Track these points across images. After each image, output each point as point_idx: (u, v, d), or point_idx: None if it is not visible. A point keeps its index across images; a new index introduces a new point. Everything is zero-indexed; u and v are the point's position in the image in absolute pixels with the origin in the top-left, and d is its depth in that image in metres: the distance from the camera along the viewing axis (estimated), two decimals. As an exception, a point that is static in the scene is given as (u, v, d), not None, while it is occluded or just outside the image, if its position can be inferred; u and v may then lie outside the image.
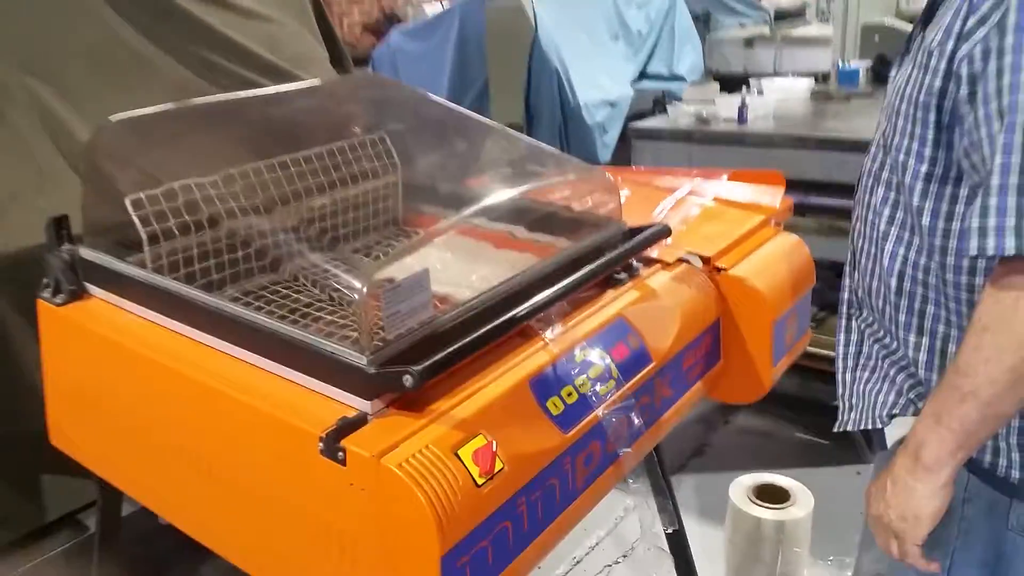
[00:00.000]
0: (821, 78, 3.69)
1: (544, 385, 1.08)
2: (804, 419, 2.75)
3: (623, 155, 4.10)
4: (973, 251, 0.89)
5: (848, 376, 1.21)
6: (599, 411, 1.12)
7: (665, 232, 1.36)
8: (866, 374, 1.17)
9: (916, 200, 1.03)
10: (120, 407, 1.23)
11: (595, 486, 1.14)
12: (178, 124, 1.39)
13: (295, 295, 1.31)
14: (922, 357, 1.07)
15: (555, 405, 1.08)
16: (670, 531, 1.58)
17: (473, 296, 1.13)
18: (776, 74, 4.23)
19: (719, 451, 2.66)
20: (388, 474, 0.90)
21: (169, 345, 1.17)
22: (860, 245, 1.16)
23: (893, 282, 1.08)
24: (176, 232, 1.26)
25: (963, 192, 0.99)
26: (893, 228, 1.08)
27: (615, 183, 1.40)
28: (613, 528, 2.29)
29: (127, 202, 1.21)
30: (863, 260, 1.15)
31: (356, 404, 0.99)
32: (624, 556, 2.19)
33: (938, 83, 0.97)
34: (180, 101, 1.47)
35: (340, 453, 0.93)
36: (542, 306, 1.11)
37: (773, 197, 1.65)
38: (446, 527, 0.89)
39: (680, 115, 2.83)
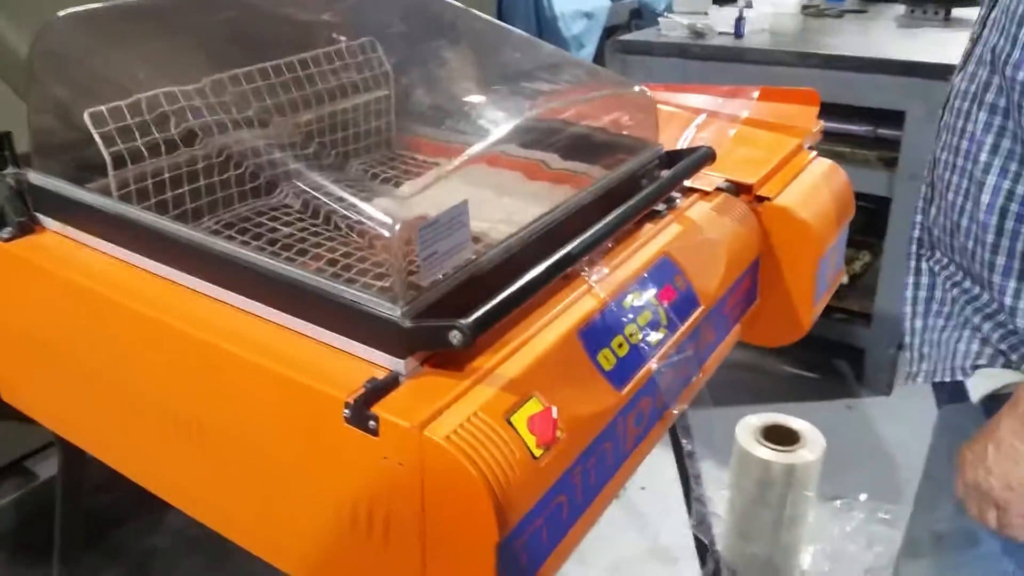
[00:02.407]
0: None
1: (594, 336, 0.94)
2: (791, 352, 2.67)
3: (598, 71, 3.88)
4: None
5: (918, 323, 1.09)
6: (652, 363, 0.99)
7: (710, 156, 1.21)
8: (941, 321, 1.06)
9: None
10: (85, 360, 1.05)
11: (643, 445, 1.02)
12: (136, 23, 1.16)
13: (287, 226, 1.13)
14: (1023, 305, 0.96)
15: (607, 359, 0.94)
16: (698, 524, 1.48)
17: (510, 234, 0.97)
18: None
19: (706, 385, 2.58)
20: (434, 448, 0.75)
21: (145, 288, 0.99)
22: (946, 177, 1.03)
23: (993, 220, 0.96)
24: (144, 152, 1.06)
25: None
26: (997, 159, 0.95)
27: (652, 99, 1.23)
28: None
29: (86, 116, 1.00)
30: (951, 195, 1.02)
31: (385, 363, 0.84)
32: (616, 497, 2.11)
33: None
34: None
35: (371, 422, 0.78)
36: (594, 243, 0.96)
37: (806, 118, 1.50)
38: (506, 511, 0.75)
39: (672, 27, 2.64)
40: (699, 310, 1.10)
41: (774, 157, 1.37)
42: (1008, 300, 0.96)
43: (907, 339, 1.12)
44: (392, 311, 0.81)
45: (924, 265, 1.10)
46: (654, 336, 1.01)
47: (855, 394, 2.56)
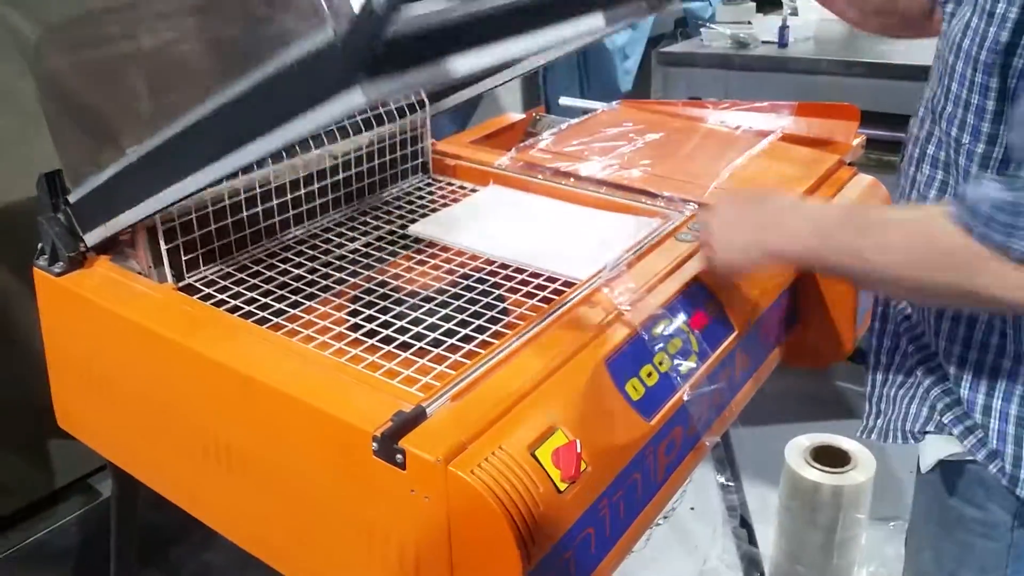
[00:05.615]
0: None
1: (622, 365, 0.94)
2: (841, 365, 2.62)
3: (643, 84, 3.86)
4: None
5: (879, 376, 1.02)
6: (683, 393, 0.98)
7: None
8: (900, 376, 0.99)
9: None
10: (134, 390, 1.09)
11: (675, 475, 1.01)
12: (177, 56, 1.20)
13: (326, 254, 1.16)
14: (966, 375, 0.89)
15: (635, 388, 0.94)
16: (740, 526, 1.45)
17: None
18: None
19: (754, 401, 2.54)
20: (458, 483, 0.76)
21: (184, 320, 1.02)
22: None
23: None
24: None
25: None
26: None
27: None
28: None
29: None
30: None
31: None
32: (664, 518, 2.09)
33: (1005, 36, 0.74)
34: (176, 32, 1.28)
35: (399, 456, 0.80)
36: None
37: (846, 133, 1.48)
38: (529, 546, 0.76)
39: (715, 38, 2.61)
40: (733, 335, 1.09)
41: (812, 174, 1.34)
42: (952, 368, 0.90)
43: (866, 390, 1.05)
44: (418, 346, 0.82)
45: (891, 311, 1.02)
46: (685, 364, 1.00)
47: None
